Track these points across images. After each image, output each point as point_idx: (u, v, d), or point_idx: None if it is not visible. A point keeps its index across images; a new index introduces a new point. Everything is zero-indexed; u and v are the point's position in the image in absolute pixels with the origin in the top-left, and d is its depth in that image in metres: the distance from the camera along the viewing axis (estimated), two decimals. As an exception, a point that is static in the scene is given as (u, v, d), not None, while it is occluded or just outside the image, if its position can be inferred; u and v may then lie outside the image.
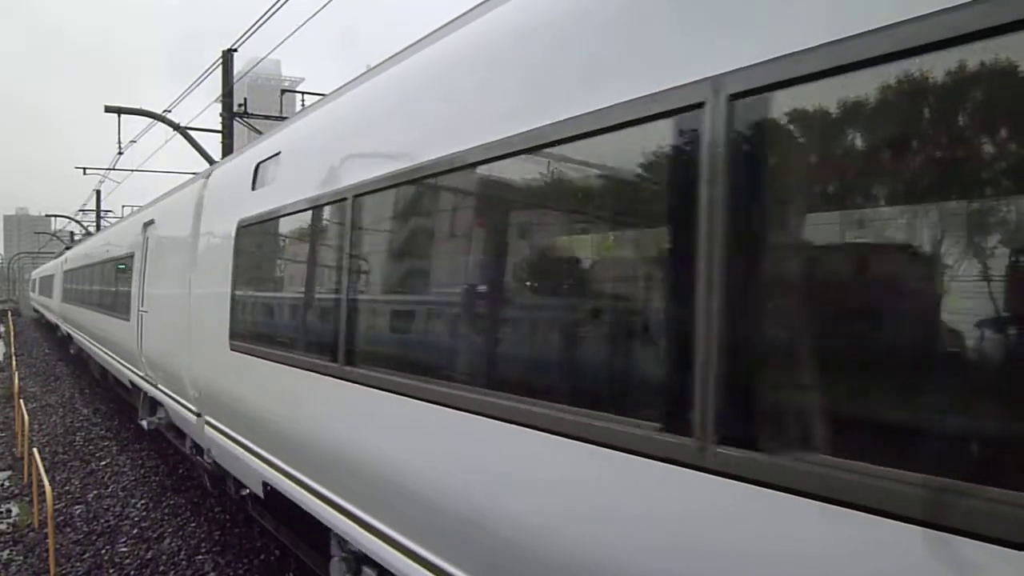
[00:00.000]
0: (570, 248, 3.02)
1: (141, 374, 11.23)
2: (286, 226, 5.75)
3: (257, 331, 6.29)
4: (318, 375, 4.70)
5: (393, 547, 3.82)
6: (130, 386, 12.78)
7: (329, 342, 4.62)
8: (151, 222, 11.13)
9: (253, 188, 6.42)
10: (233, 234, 6.64)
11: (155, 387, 10.32)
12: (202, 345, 7.58)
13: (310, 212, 5.12)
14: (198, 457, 8.82)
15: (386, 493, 3.94)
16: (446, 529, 3.40)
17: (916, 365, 1.86)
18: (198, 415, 7.87)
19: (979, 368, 1.76)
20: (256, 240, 6.43)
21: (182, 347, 8.23)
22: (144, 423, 11.43)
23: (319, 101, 5.96)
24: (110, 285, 14.98)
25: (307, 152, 5.49)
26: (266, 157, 6.24)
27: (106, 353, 15.63)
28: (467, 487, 3.25)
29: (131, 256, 12.29)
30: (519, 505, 2.91)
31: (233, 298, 6.62)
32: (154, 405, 10.93)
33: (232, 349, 6.50)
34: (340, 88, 5.43)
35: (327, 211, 4.90)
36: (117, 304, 13.60)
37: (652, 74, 2.39)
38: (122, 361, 13.25)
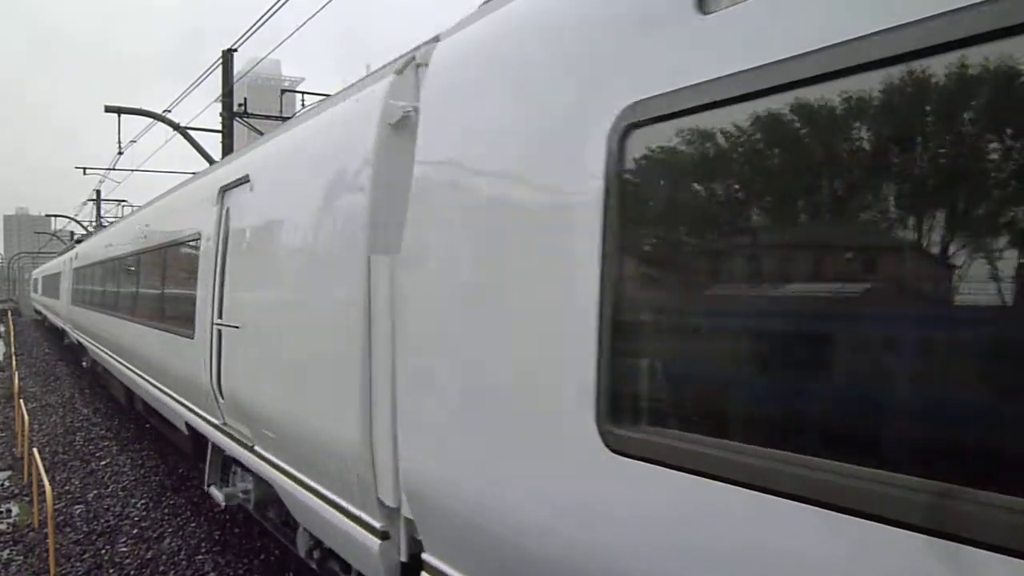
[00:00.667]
0: None
1: (215, 421, 7.34)
2: None
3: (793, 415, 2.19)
4: None
5: None
6: (185, 430, 8.93)
7: None
8: (240, 182, 6.79)
9: (703, 9, 2.35)
10: (605, 154, 2.60)
11: (249, 450, 6.37)
12: (453, 417, 3.55)
13: None
14: (332, 565, 5.49)
15: None
16: None
17: None
18: (383, 536, 4.17)
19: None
20: (767, 151, 2.33)
21: (355, 405, 4.27)
22: (220, 496, 7.39)
23: None
24: (152, 285, 10.95)
25: None
26: None
27: (142, 377, 11.41)
28: None
29: (194, 240, 8.22)
30: None
31: (614, 322, 2.59)
32: (227, 463, 7.54)
33: (616, 450, 2.54)
34: None
35: None
36: (167, 312, 9.64)
37: None
38: (173, 394, 9.29)
